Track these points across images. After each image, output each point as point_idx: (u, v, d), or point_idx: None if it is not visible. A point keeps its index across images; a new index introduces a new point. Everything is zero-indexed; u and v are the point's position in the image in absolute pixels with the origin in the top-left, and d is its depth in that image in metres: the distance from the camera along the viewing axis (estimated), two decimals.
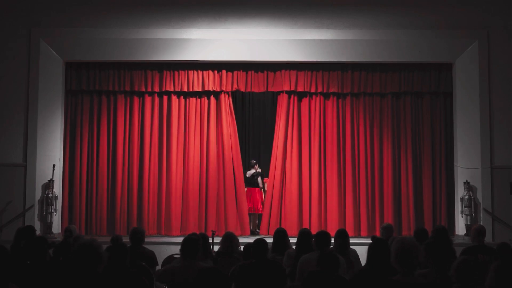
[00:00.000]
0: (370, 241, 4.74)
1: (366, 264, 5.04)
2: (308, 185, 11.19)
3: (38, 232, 8.72)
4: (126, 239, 6.67)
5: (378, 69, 11.11)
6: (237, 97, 12.87)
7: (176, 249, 6.37)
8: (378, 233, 10.31)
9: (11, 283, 3.53)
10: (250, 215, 11.47)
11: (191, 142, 11.25)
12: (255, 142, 13.08)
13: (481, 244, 6.24)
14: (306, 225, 10.67)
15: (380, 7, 10.69)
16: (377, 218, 11.00)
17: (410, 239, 4.06)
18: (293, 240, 6.21)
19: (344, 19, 10.75)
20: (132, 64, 11.03)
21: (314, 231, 6.16)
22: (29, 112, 10.61)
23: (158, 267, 6.33)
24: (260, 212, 11.51)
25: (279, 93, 11.36)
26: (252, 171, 11.58)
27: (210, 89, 11.18)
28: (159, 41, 10.75)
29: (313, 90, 11.21)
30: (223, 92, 11.26)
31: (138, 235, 6.34)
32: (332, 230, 7.89)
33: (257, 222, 11.60)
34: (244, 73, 11.15)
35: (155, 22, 10.73)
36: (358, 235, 10.85)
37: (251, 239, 5.71)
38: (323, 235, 5.58)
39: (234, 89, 11.30)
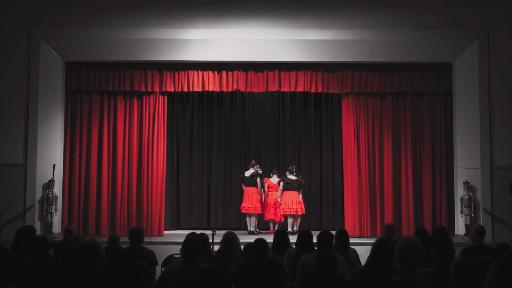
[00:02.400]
0: (371, 241, 4.74)
1: (366, 264, 5.04)
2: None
3: (38, 232, 8.71)
4: (125, 239, 6.67)
5: (378, 69, 11.11)
6: (237, 97, 12.91)
7: (176, 249, 6.38)
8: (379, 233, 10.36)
9: (11, 283, 3.53)
10: (249, 215, 11.48)
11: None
12: (255, 142, 13.09)
13: (480, 244, 6.24)
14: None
15: (380, 7, 10.71)
16: (378, 218, 11.00)
17: (414, 239, 4.06)
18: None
19: (344, 19, 10.75)
20: (132, 64, 11.02)
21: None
22: (29, 112, 10.62)
23: (158, 267, 6.34)
24: (259, 212, 11.51)
25: (344, 95, 11.26)
26: (252, 171, 11.58)
27: (210, 89, 11.19)
28: (159, 41, 10.75)
29: (313, 90, 11.21)
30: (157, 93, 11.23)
31: (137, 235, 6.34)
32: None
33: (256, 222, 11.59)
34: (244, 73, 11.14)
35: (155, 22, 10.74)
36: (361, 235, 10.85)
37: (251, 239, 5.71)
38: (324, 235, 5.57)
39: (234, 89, 11.30)
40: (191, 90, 11.22)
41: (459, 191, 10.62)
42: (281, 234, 6.36)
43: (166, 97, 11.32)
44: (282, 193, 11.38)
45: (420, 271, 4.04)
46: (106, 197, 11.09)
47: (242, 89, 11.29)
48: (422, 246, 3.93)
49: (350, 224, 10.91)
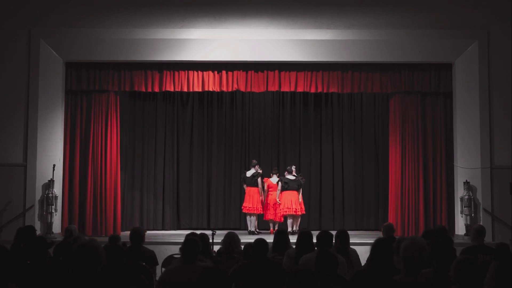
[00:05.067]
0: (371, 241, 4.73)
1: (366, 264, 5.04)
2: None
3: (38, 232, 8.71)
4: (126, 239, 6.67)
5: (378, 69, 11.10)
6: (237, 97, 12.92)
7: (176, 249, 6.38)
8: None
9: (11, 283, 3.53)
10: (250, 215, 11.48)
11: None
12: (255, 142, 13.09)
13: (481, 244, 6.24)
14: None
15: (380, 7, 10.71)
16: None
17: (420, 239, 4.06)
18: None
19: (344, 19, 10.75)
20: (132, 64, 11.01)
21: None
22: (29, 112, 10.61)
23: (158, 267, 6.34)
24: (259, 212, 11.50)
25: (392, 94, 11.23)
26: (253, 171, 11.57)
27: (210, 89, 11.18)
28: (159, 41, 10.74)
29: (313, 90, 11.21)
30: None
31: (138, 234, 6.34)
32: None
33: (256, 222, 11.59)
34: (244, 73, 11.13)
35: (155, 22, 10.74)
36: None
37: (251, 239, 5.71)
38: (324, 235, 5.57)
39: (234, 89, 11.29)
40: (191, 90, 11.21)
41: (459, 191, 10.61)
42: (281, 234, 6.36)
43: (118, 96, 11.26)
44: (281, 193, 11.36)
45: (423, 270, 4.04)
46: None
47: (242, 89, 11.27)
48: (428, 246, 3.93)
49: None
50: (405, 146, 11.09)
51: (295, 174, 11.55)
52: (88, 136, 11.02)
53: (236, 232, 6.60)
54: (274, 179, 11.64)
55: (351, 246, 6.09)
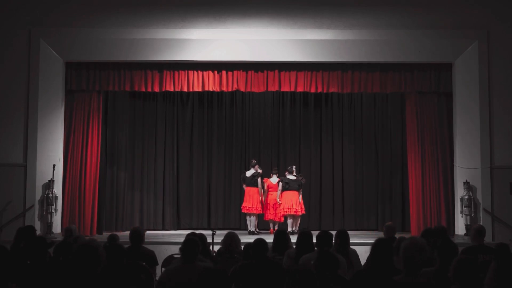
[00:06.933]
0: (372, 241, 4.73)
1: (366, 264, 5.04)
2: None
3: (38, 232, 8.70)
4: (126, 239, 6.67)
5: (378, 69, 11.09)
6: (237, 97, 12.93)
7: (176, 249, 6.38)
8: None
9: (11, 283, 3.53)
10: (249, 215, 11.47)
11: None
12: (255, 142, 13.09)
13: (481, 244, 6.24)
14: None
15: (380, 7, 10.72)
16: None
17: (420, 239, 4.06)
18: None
19: (344, 19, 10.75)
20: (132, 64, 11.01)
21: None
22: (29, 112, 10.61)
23: (158, 267, 6.34)
24: (259, 212, 11.50)
25: (408, 95, 11.20)
26: (252, 171, 11.58)
27: (210, 89, 11.18)
28: (159, 41, 10.74)
29: (313, 90, 11.21)
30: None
31: (138, 234, 6.34)
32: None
33: (256, 222, 11.59)
34: (244, 73, 11.13)
35: (155, 22, 10.74)
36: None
37: (251, 239, 5.71)
38: (324, 235, 5.57)
39: (234, 89, 11.29)
40: (191, 90, 11.21)
41: (459, 191, 10.61)
42: (281, 234, 6.36)
43: (101, 96, 11.24)
44: (281, 193, 11.36)
45: (425, 269, 4.03)
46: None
47: (242, 89, 11.27)
48: (428, 246, 3.93)
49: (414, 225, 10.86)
50: (425, 147, 11.00)
51: (296, 174, 11.55)
52: (73, 135, 11.03)
53: (236, 232, 6.60)
54: (274, 179, 11.64)
55: (351, 246, 6.09)
